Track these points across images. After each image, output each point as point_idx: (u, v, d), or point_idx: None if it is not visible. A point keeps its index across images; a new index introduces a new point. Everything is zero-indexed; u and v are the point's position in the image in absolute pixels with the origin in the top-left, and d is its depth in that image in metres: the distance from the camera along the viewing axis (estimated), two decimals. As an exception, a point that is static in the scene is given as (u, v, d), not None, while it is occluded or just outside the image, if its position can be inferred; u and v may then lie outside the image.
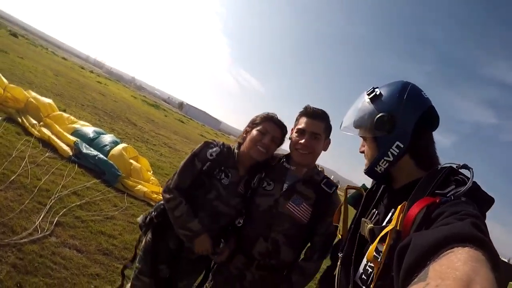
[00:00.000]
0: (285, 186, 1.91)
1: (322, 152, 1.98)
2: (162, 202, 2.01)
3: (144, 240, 2.05)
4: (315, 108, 1.92)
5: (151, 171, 6.97)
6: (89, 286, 2.88)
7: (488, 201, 1.02)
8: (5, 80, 6.67)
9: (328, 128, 1.94)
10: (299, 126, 1.90)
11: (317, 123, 1.88)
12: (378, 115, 1.17)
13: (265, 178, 1.97)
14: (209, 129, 51.95)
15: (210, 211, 1.95)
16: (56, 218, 3.60)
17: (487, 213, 1.03)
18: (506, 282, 7.01)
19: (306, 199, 1.87)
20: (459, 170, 1.09)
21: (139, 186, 5.74)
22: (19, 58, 15.15)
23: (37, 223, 3.34)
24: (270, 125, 1.98)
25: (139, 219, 2.09)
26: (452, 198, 0.95)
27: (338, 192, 1.95)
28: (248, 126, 2.06)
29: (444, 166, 1.13)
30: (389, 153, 1.17)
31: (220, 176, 1.95)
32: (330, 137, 2.00)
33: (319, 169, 2.01)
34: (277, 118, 2.02)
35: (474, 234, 0.66)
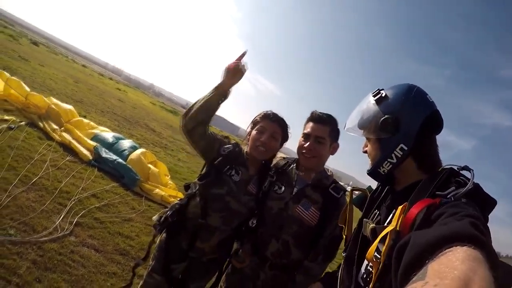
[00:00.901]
0: (295, 190, 1.99)
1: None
2: (177, 202, 2.10)
3: (158, 239, 2.13)
4: (321, 113, 1.99)
5: (169, 176, 7.12)
6: (105, 283, 3.01)
7: (490, 203, 1.02)
8: (27, 88, 6.97)
9: (334, 132, 1.99)
10: (305, 131, 2.00)
11: (322, 128, 1.95)
12: (383, 117, 1.18)
13: (276, 182, 2.06)
14: (227, 135, 52.27)
15: (222, 208, 1.99)
16: (76, 219, 3.76)
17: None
18: (508, 286, 6.80)
19: (314, 203, 1.94)
20: (460, 171, 1.10)
21: (157, 190, 5.89)
22: (40, 66, 15.72)
23: (57, 223, 3.51)
24: (267, 123, 2.05)
25: (154, 218, 2.16)
26: (453, 199, 0.96)
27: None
28: (249, 127, 2.15)
29: (445, 167, 1.14)
30: (392, 155, 1.18)
31: (231, 172, 2.02)
32: (340, 141, 2.06)
33: (329, 173, 2.08)
34: (273, 114, 2.09)
35: (472, 234, 0.67)
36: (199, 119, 1.92)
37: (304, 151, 1.97)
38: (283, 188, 2.02)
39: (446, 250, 0.62)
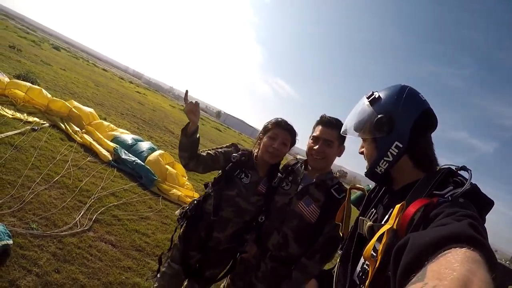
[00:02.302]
0: (300, 187, 2.15)
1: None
2: (195, 199, 2.36)
3: (180, 231, 2.36)
4: (330, 117, 2.13)
5: (186, 177, 7.32)
6: (120, 277, 3.19)
7: (487, 204, 1.04)
8: (48, 95, 7.31)
9: (341, 136, 2.10)
10: (314, 134, 2.14)
11: (330, 131, 2.08)
12: (377, 117, 1.22)
13: (285, 179, 2.24)
14: (246, 137, 52.51)
15: (233, 207, 2.22)
16: (95, 216, 3.98)
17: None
18: (506, 286, 6.60)
19: (315, 201, 2.08)
20: (458, 172, 1.12)
21: (174, 190, 6.09)
22: (62, 70, 16.30)
23: (77, 218, 3.73)
24: (279, 131, 2.24)
25: (177, 212, 2.41)
26: (450, 199, 0.97)
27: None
28: (261, 133, 2.35)
29: (443, 167, 1.16)
30: (388, 153, 1.22)
31: (241, 176, 2.24)
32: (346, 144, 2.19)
33: (335, 175, 2.22)
34: (285, 123, 2.28)
35: (471, 235, 0.68)
36: (185, 157, 2.12)
37: (313, 153, 2.11)
38: (290, 185, 2.19)
39: (445, 252, 0.63)
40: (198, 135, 2.11)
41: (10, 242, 2.73)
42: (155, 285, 2.31)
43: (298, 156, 2.40)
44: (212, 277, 2.37)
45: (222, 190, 2.22)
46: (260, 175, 2.29)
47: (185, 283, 2.39)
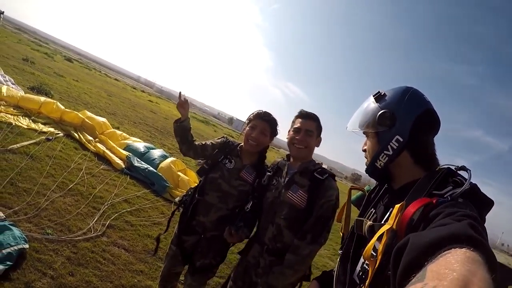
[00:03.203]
0: (286, 179, 2.27)
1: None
2: (191, 187, 2.72)
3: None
4: (308, 111, 2.34)
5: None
6: (133, 280, 3.31)
7: (487, 204, 1.06)
8: (61, 107, 7.53)
9: (319, 127, 2.33)
10: (295, 126, 2.31)
11: (310, 122, 2.29)
12: (381, 111, 1.27)
13: (274, 176, 2.40)
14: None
15: (216, 188, 2.48)
16: (108, 221, 4.11)
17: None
18: (506, 286, 6.44)
19: (301, 186, 2.20)
20: (458, 171, 1.14)
21: (186, 196, 6.19)
22: (74, 81, 16.69)
23: (91, 224, 3.86)
24: (258, 122, 2.49)
25: (177, 198, 2.76)
26: (449, 199, 0.99)
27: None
28: (245, 124, 2.62)
29: (442, 167, 1.18)
30: (389, 146, 1.25)
31: (225, 162, 2.53)
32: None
33: (317, 162, 2.35)
34: (265, 113, 2.53)
35: (471, 235, 0.69)
36: (178, 141, 2.62)
37: (295, 142, 2.27)
38: (278, 180, 2.34)
39: (445, 252, 0.64)
40: (187, 124, 2.58)
41: (26, 246, 2.86)
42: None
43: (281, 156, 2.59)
44: (203, 267, 2.54)
45: (208, 172, 2.52)
46: (243, 163, 2.53)
47: (183, 277, 2.69)
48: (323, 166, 2.34)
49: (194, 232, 2.55)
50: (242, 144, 2.57)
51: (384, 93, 1.33)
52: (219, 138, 2.71)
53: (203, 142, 2.63)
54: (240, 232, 2.29)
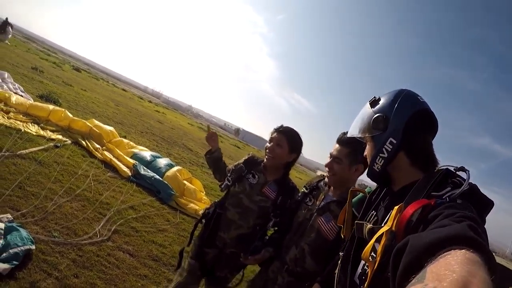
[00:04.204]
0: (322, 203, 2.21)
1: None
2: (215, 201, 2.71)
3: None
4: (346, 135, 2.04)
5: (204, 192, 7.49)
6: (136, 284, 3.37)
7: (487, 204, 1.07)
8: (69, 115, 7.68)
9: (353, 154, 2.07)
10: (330, 151, 2.19)
11: (340, 149, 2.11)
12: (374, 116, 1.32)
13: (309, 195, 2.33)
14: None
15: (236, 203, 2.49)
16: (114, 227, 4.18)
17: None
18: (506, 287, 6.32)
19: (335, 217, 2.07)
20: (457, 172, 1.16)
21: (191, 205, 6.26)
22: (82, 91, 16.90)
23: (97, 229, 3.94)
24: (274, 134, 2.50)
25: (201, 211, 2.83)
26: (448, 200, 1.01)
27: None
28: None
29: (441, 168, 1.21)
30: (383, 149, 1.28)
31: (248, 176, 2.53)
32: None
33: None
34: (281, 126, 2.53)
35: (471, 237, 0.70)
36: (213, 172, 2.82)
37: (326, 169, 2.19)
38: (312, 201, 2.28)
39: (445, 253, 0.64)
40: (218, 154, 2.73)
41: (33, 247, 2.94)
42: (175, 277, 2.61)
43: (319, 172, 2.51)
44: (223, 278, 2.55)
45: (230, 186, 2.56)
46: (267, 179, 2.51)
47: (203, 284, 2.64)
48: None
49: (215, 245, 2.54)
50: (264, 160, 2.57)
51: (379, 98, 1.37)
52: (246, 156, 2.72)
53: (231, 166, 2.70)
54: (262, 252, 2.28)
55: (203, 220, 2.63)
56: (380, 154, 1.30)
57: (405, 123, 1.26)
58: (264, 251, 2.29)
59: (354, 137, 2.03)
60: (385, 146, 1.28)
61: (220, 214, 2.51)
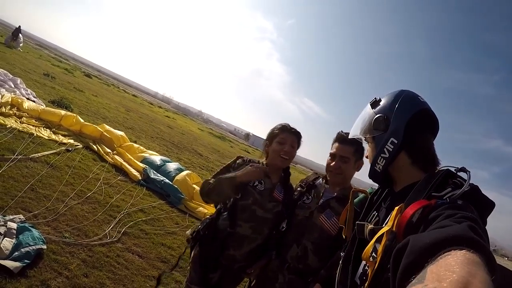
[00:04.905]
0: (321, 201, 2.24)
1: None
2: (207, 217, 2.44)
3: (193, 252, 2.39)
4: (346, 133, 2.14)
5: (213, 196, 7.52)
6: (145, 284, 3.44)
7: (488, 205, 1.06)
8: (81, 120, 7.84)
9: (358, 151, 2.16)
10: (331, 151, 2.24)
11: (346, 148, 2.17)
12: (375, 116, 1.34)
13: (305, 193, 2.34)
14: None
15: (249, 217, 2.28)
16: (124, 229, 4.26)
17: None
18: None
19: (337, 214, 2.14)
20: (458, 173, 1.15)
21: (200, 208, 6.30)
22: (93, 96, 17.18)
23: (107, 230, 4.01)
24: (287, 135, 2.38)
25: (188, 232, 2.47)
26: (448, 200, 1.00)
27: None
28: (267, 140, 2.45)
29: (442, 169, 1.20)
30: (385, 149, 1.29)
31: (255, 184, 2.33)
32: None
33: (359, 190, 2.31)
34: (290, 127, 2.42)
35: (471, 237, 0.70)
36: (212, 201, 2.42)
37: (331, 169, 2.21)
38: (310, 199, 2.29)
39: (445, 254, 0.64)
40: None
41: (44, 247, 3.01)
42: None
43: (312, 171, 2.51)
44: None
45: (237, 201, 2.29)
46: (273, 182, 2.39)
47: None
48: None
49: (219, 266, 2.31)
50: (264, 161, 2.45)
51: (380, 99, 1.39)
52: (234, 162, 2.45)
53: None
54: (265, 258, 2.30)
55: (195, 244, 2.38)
56: (382, 154, 1.31)
57: (406, 123, 1.27)
58: (266, 256, 2.30)
59: (352, 137, 2.05)
60: (386, 146, 1.29)
61: (230, 233, 2.25)
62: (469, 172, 1.10)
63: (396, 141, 1.27)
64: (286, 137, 2.36)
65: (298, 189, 2.41)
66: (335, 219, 2.11)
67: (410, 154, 1.29)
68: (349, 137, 1.54)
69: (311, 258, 2.14)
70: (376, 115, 1.34)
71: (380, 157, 1.32)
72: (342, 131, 2.24)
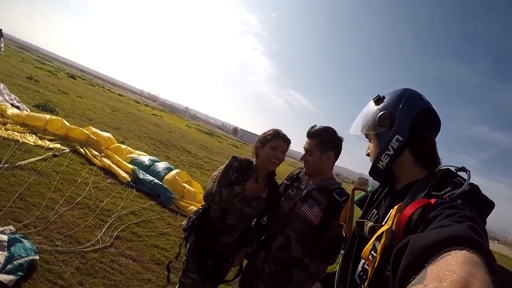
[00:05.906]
0: (304, 192, 2.35)
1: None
2: (200, 207, 2.64)
3: (189, 243, 2.58)
4: (313, 128, 2.35)
5: (204, 194, 7.53)
6: None
7: (487, 205, 1.06)
8: (67, 123, 7.74)
9: (322, 144, 2.30)
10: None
11: (309, 141, 2.32)
12: (380, 113, 1.33)
13: (290, 186, 2.47)
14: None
15: (237, 213, 2.49)
16: (116, 233, 4.23)
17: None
18: None
19: (318, 203, 2.26)
20: (457, 172, 1.16)
21: (191, 207, 6.31)
22: (78, 98, 16.97)
23: (99, 236, 3.98)
24: (280, 141, 2.52)
25: (183, 222, 2.67)
26: (448, 200, 1.00)
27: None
28: (259, 142, 2.58)
29: (441, 168, 1.20)
30: (389, 146, 1.29)
31: (242, 183, 2.46)
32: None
33: (338, 181, 2.40)
34: (283, 133, 2.55)
35: (471, 238, 0.69)
36: (226, 201, 2.41)
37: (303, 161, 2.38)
38: (294, 191, 2.41)
39: (445, 254, 0.64)
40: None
41: (37, 257, 2.98)
42: None
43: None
44: (221, 275, 2.66)
45: None
46: (259, 181, 2.52)
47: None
48: (339, 180, 2.40)
49: (213, 252, 2.53)
50: (254, 162, 2.57)
51: (383, 96, 1.39)
52: (231, 165, 2.52)
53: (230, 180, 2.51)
54: (248, 246, 2.50)
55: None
56: (386, 151, 1.31)
57: (412, 120, 1.28)
58: (249, 243, 2.49)
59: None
60: (391, 143, 1.30)
61: (220, 225, 2.49)
62: (469, 171, 1.11)
63: (401, 139, 1.28)
64: (278, 144, 2.50)
65: (284, 182, 2.56)
66: (317, 208, 2.23)
67: (414, 152, 1.30)
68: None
69: (294, 247, 2.25)
70: (381, 112, 1.34)
71: (384, 154, 1.32)
72: (312, 126, 2.36)
